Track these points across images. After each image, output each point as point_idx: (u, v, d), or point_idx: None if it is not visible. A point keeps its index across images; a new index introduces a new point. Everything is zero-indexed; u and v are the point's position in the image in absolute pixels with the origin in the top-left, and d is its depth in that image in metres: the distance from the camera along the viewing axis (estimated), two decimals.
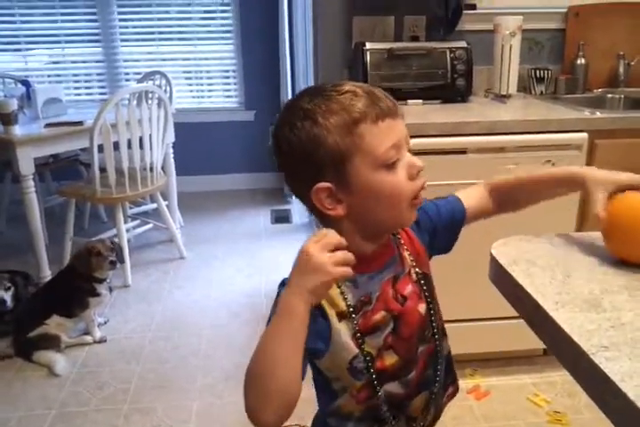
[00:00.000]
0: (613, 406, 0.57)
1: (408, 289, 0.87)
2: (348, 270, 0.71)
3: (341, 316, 0.81)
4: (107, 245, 2.40)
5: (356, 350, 0.82)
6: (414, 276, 0.89)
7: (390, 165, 0.77)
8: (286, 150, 0.79)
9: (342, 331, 0.81)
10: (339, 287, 0.81)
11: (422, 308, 0.88)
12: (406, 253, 0.89)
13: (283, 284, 0.75)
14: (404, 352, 0.86)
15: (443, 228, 0.95)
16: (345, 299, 0.81)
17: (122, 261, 2.50)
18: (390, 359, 0.85)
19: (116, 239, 2.83)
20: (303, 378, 0.74)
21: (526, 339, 2.12)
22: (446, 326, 2.19)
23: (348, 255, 0.71)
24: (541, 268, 0.83)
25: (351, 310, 0.81)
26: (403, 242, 0.90)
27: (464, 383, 2.01)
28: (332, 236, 0.71)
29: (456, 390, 1.00)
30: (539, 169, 0.99)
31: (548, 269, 0.82)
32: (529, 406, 1.91)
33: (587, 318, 0.69)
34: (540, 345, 2.08)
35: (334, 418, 0.89)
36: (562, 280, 0.79)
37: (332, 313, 0.80)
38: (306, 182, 0.78)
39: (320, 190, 0.77)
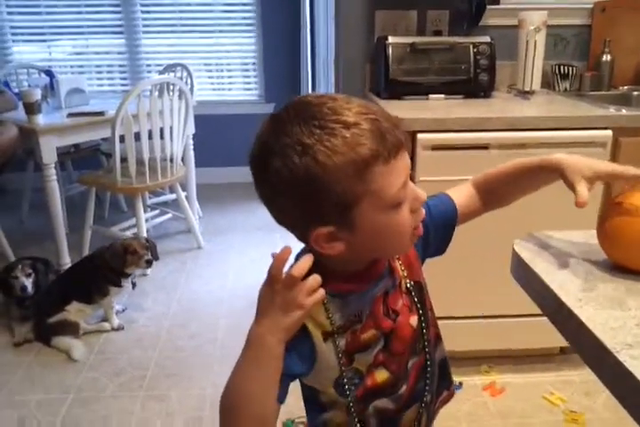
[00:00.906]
0: (638, 404, 0.57)
1: (399, 303, 0.83)
2: (319, 295, 0.70)
3: (327, 335, 0.77)
4: (142, 242, 2.42)
5: (341, 370, 0.78)
6: (405, 287, 0.84)
7: (398, 206, 0.71)
8: (276, 184, 0.69)
9: (328, 351, 0.77)
10: (324, 304, 0.76)
11: (414, 320, 0.84)
12: (398, 264, 0.85)
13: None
14: (396, 368, 0.83)
15: (435, 230, 0.89)
16: (330, 318, 0.77)
17: (156, 258, 2.51)
18: (381, 376, 0.82)
19: (135, 229, 2.86)
20: (283, 401, 0.74)
21: (543, 337, 2.12)
22: (463, 322, 2.18)
23: (316, 279, 0.70)
24: (564, 264, 0.82)
25: (336, 329, 0.77)
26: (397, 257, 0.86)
27: (479, 380, 2.01)
28: (299, 268, 0.69)
29: (451, 394, 0.96)
30: (516, 160, 0.92)
31: (570, 265, 0.82)
32: (544, 404, 1.89)
33: (611, 316, 0.68)
34: (557, 344, 2.09)
35: None
36: (585, 277, 0.78)
37: (316, 334, 0.76)
38: (301, 221, 0.72)
39: (320, 235, 0.70)
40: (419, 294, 0.86)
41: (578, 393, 1.94)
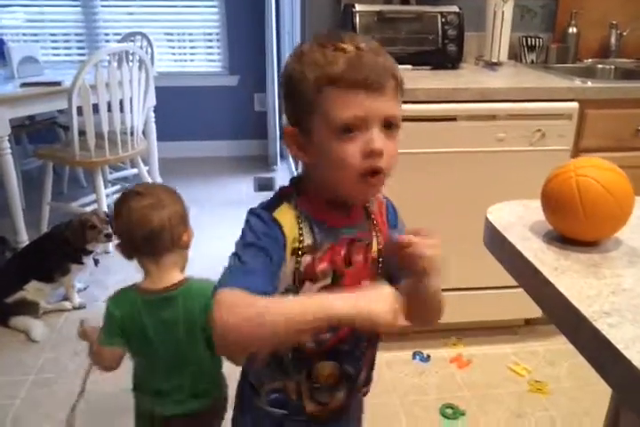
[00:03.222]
0: (615, 372, 0.56)
1: (357, 258, 0.85)
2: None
3: (293, 252, 0.81)
4: (101, 217, 2.33)
5: (290, 284, 0.82)
6: (375, 254, 0.87)
7: (344, 135, 0.75)
8: (281, 82, 0.83)
9: (289, 264, 0.81)
10: (298, 223, 0.81)
11: (366, 284, 0.86)
12: (374, 233, 0.88)
13: (251, 212, 0.82)
14: None
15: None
16: (301, 240, 0.81)
17: None
18: None
19: (96, 204, 2.78)
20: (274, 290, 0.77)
21: (508, 309, 2.13)
22: None
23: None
24: (538, 233, 0.81)
25: (302, 248, 0.81)
26: (374, 219, 0.89)
27: (446, 352, 2.03)
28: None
29: (366, 391, 1.00)
30: None
31: (545, 234, 0.80)
32: (510, 375, 1.92)
33: (587, 284, 0.67)
34: (522, 315, 2.11)
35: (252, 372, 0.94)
36: (560, 246, 0.77)
37: (288, 246, 0.81)
38: (286, 117, 0.83)
39: (288, 132, 0.81)
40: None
41: (542, 363, 1.97)
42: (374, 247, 0.87)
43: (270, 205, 0.83)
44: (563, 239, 0.78)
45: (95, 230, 2.27)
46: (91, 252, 2.35)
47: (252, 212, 0.83)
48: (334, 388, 0.91)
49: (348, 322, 0.70)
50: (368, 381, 0.98)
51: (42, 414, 1.76)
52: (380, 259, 0.88)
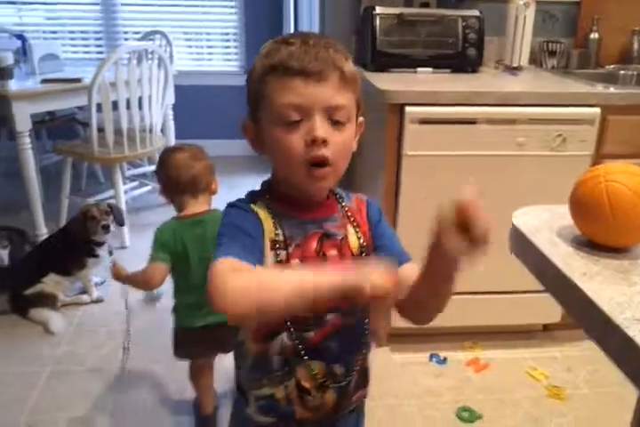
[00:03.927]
0: None
1: (331, 253, 0.84)
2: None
3: (271, 246, 0.81)
4: (102, 208, 2.33)
5: None
6: (357, 250, 0.86)
7: (285, 124, 0.77)
8: None
9: (268, 259, 0.81)
10: (272, 220, 0.82)
11: None
12: (351, 229, 0.87)
13: (229, 205, 0.84)
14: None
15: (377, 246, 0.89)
16: (277, 233, 0.82)
17: (121, 223, 2.44)
18: None
19: (114, 200, 2.80)
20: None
21: (527, 314, 2.12)
22: None
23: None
24: (566, 238, 0.81)
25: (277, 245, 0.81)
26: (350, 214, 0.88)
27: (463, 355, 2.02)
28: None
29: (364, 394, 0.96)
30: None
31: (572, 239, 0.81)
32: (527, 379, 1.91)
33: (617, 291, 0.67)
34: (540, 320, 2.10)
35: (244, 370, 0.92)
36: (588, 251, 0.77)
37: (266, 235, 0.81)
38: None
39: (243, 125, 0.85)
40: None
41: (560, 369, 1.96)
42: (354, 243, 0.86)
43: (245, 201, 0.86)
44: (591, 245, 0.78)
45: (94, 221, 2.28)
46: (102, 243, 2.35)
47: (229, 204, 0.85)
48: (323, 390, 0.88)
49: (346, 290, 0.65)
50: (361, 384, 0.94)
51: (58, 406, 1.78)
52: (364, 254, 0.86)
